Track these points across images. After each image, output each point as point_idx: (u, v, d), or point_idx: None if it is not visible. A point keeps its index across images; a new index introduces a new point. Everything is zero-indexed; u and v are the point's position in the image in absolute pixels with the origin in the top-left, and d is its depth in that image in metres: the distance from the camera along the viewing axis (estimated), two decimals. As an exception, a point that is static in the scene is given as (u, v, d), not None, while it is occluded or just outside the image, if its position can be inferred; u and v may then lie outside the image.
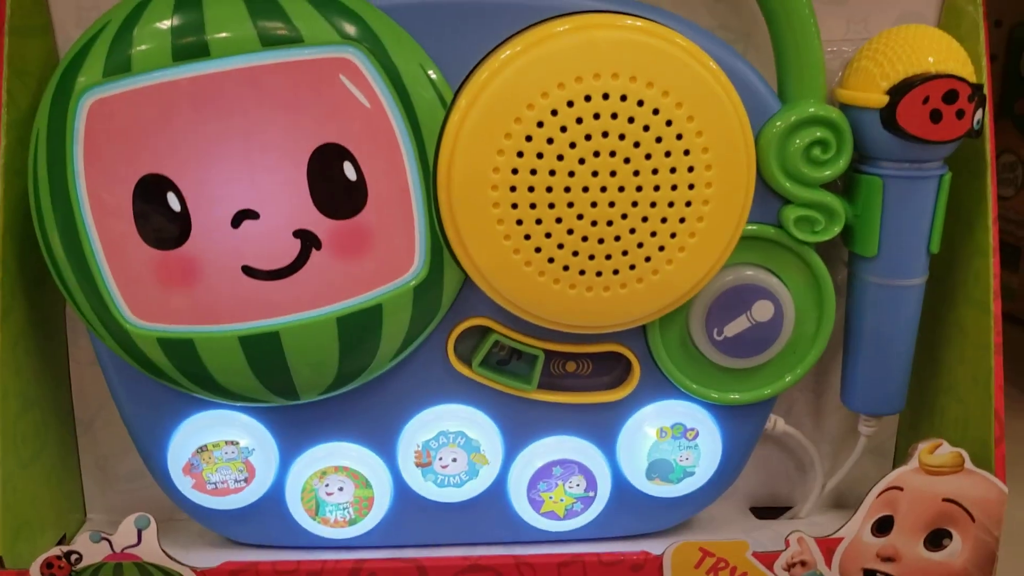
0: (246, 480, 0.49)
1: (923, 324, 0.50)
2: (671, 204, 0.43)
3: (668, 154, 0.42)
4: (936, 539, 0.48)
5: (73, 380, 0.53)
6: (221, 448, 0.48)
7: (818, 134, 0.45)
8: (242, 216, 0.43)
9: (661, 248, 0.43)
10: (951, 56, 0.45)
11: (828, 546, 0.48)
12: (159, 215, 0.43)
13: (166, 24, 0.41)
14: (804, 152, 0.45)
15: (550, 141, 0.41)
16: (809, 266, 0.48)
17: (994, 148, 0.48)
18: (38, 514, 0.50)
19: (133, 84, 0.41)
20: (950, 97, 0.44)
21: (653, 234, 0.43)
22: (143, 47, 0.41)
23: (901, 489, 0.47)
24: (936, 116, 0.44)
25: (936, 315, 0.52)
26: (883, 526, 0.48)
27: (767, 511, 0.57)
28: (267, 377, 0.45)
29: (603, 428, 0.50)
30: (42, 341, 0.50)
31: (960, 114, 0.44)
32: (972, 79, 0.45)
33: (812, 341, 0.49)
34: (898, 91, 0.44)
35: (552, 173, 0.42)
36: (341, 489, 0.49)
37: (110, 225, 0.43)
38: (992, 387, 0.48)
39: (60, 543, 0.51)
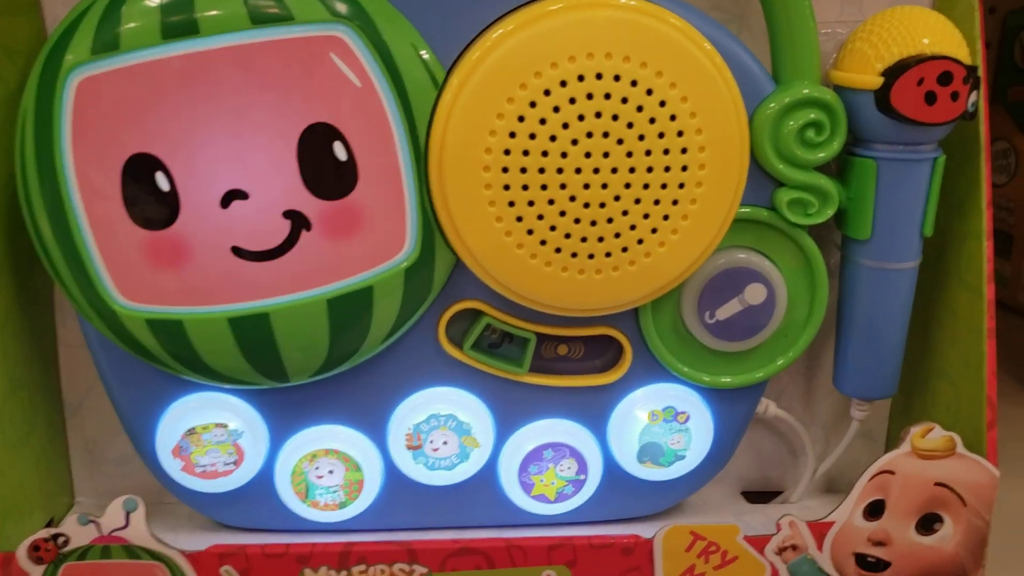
0: (235, 463, 0.48)
1: (915, 308, 0.50)
2: (664, 186, 0.42)
3: (661, 135, 0.41)
4: (927, 523, 0.48)
5: (61, 362, 0.53)
6: (210, 431, 0.48)
7: (812, 116, 0.45)
8: (231, 196, 0.42)
9: (654, 230, 0.43)
10: (946, 38, 0.44)
11: (819, 530, 0.47)
12: (148, 195, 0.42)
13: (155, 2, 0.41)
14: (798, 134, 0.45)
15: (543, 121, 0.41)
16: (802, 249, 0.48)
17: (988, 131, 0.48)
18: (26, 497, 0.49)
19: (121, 62, 0.41)
20: (945, 79, 0.44)
21: (646, 216, 0.43)
22: (131, 25, 0.41)
23: (893, 473, 0.47)
24: (931, 98, 0.44)
25: (928, 299, 0.52)
26: (875, 510, 0.48)
27: (758, 495, 0.57)
28: (257, 359, 0.45)
29: (594, 411, 0.50)
30: (30, 323, 0.50)
31: (955, 96, 0.44)
32: (967, 61, 0.45)
33: (804, 324, 0.49)
34: (892, 72, 0.44)
35: (545, 154, 0.41)
36: (331, 472, 0.49)
37: (98, 205, 0.42)
38: (984, 371, 0.48)
39: (48, 526, 0.51)
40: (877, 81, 0.44)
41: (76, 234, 0.43)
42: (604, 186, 0.42)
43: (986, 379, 0.48)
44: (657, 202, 0.43)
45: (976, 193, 0.49)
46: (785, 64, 0.46)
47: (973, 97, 0.45)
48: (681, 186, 0.42)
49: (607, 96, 0.41)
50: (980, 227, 0.48)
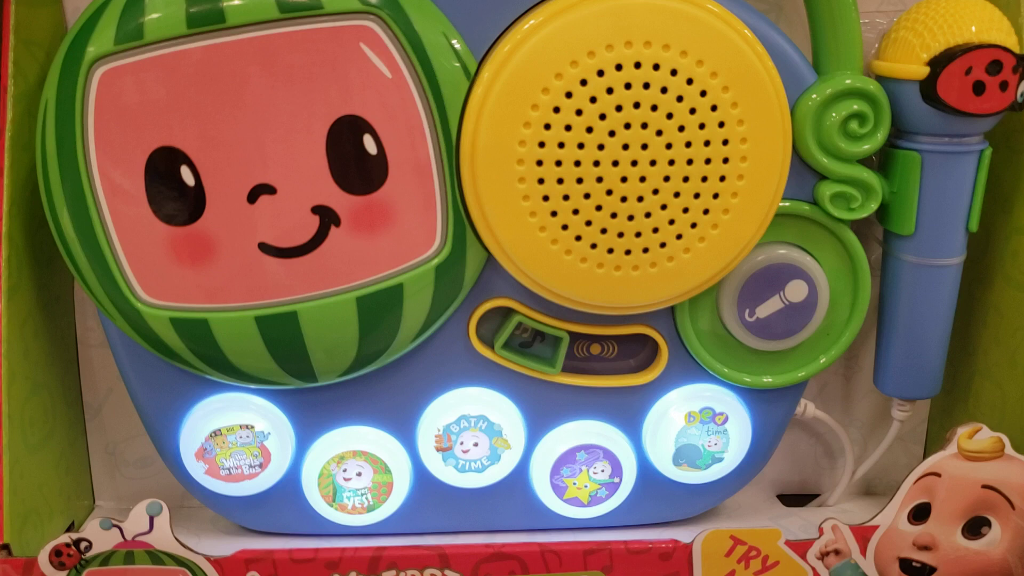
0: (261, 465, 0.47)
1: (957, 306, 0.48)
2: (704, 179, 0.41)
3: (702, 126, 0.40)
4: (974, 527, 0.46)
5: (82, 363, 0.52)
6: (235, 432, 0.47)
7: (855, 107, 0.43)
8: (259, 191, 0.41)
9: (693, 225, 0.42)
10: (994, 25, 0.43)
11: (863, 534, 0.46)
12: (172, 190, 0.41)
13: (180, -10, 0.40)
14: (841, 126, 0.44)
15: (579, 113, 0.40)
16: (844, 244, 0.46)
17: (1035, 123, 0.47)
18: (46, 501, 0.48)
19: (146, 53, 0.40)
20: (994, 68, 0.43)
21: (685, 211, 0.42)
22: (156, 15, 0.40)
23: (939, 475, 0.46)
24: (979, 88, 0.43)
25: (971, 295, 0.51)
26: (920, 514, 0.46)
27: (794, 498, 0.55)
28: (284, 358, 0.44)
29: (629, 412, 0.49)
30: (50, 322, 0.49)
31: (1004, 86, 0.43)
32: (1016, 50, 0.43)
33: (847, 322, 0.47)
34: (939, 62, 0.43)
35: (581, 146, 0.40)
36: (359, 474, 0.48)
37: (121, 200, 0.41)
38: (1032, 370, 0.47)
39: (68, 531, 0.50)
40: (923, 71, 0.43)
41: (98, 230, 0.42)
42: (642, 179, 0.41)
43: (1034, 378, 0.47)
44: (697, 196, 0.41)
45: (1022, 187, 0.47)
46: (827, 54, 0.44)
47: (1022, 87, 0.44)
48: (722, 179, 0.41)
49: (646, 86, 0.40)
50: (1027, 221, 0.47)
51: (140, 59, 0.40)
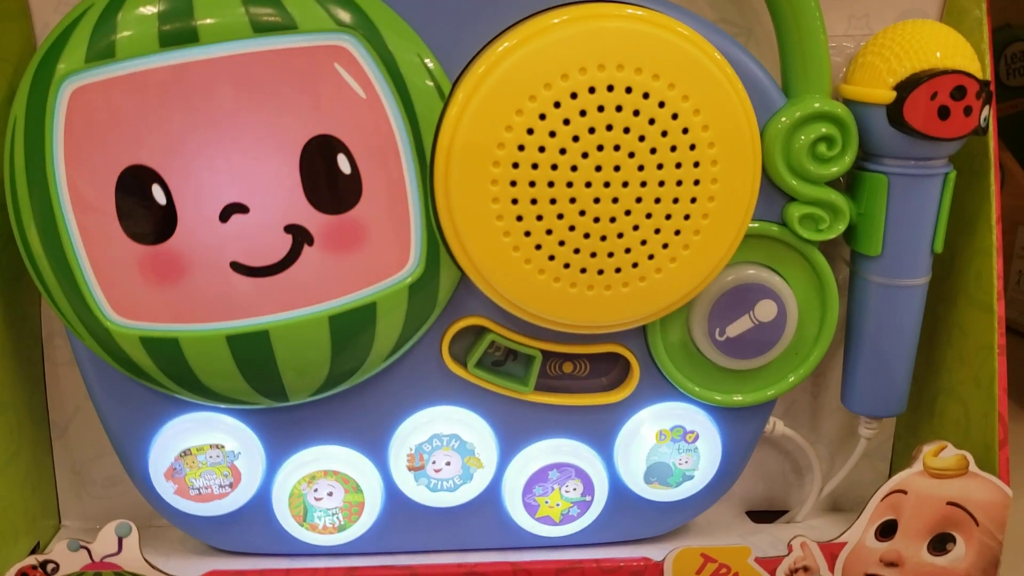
0: (231, 485, 0.47)
1: (922, 325, 0.49)
2: (676, 200, 0.41)
3: (674, 148, 0.41)
4: (940, 543, 0.47)
5: (48, 381, 0.51)
6: (205, 452, 0.46)
7: (823, 130, 0.44)
8: (231, 210, 0.41)
9: (665, 246, 0.42)
10: (958, 52, 0.44)
11: (831, 551, 0.47)
12: (143, 208, 0.41)
13: (152, 9, 0.39)
14: (810, 148, 0.44)
15: (552, 134, 0.40)
16: (812, 265, 0.47)
17: (997, 146, 0.48)
18: (10, 521, 0.47)
19: (117, 71, 0.40)
20: (958, 93, 0.43)
21: (657, 231, 0.42)
22: (128, 32, 0.39)
23: (905, 492, 0.46)
24: (944, 113, 0.43)
25: (936, 315, 0.52)
26: (887, 530, 0.47)
27: (763, 515, 0.56)
28: (255, 378, 0.44)
29: (601, 431, 0.49)
30: (17, 339, 0.48)
31: (968, 111, 0.44)
32: (979, 75, 0.44)
33: (815, 341, 0.48)
34: (905, 87, 0.43)
35: (554, 167, 0.40)
36: (330, 494, 0.47)
37: (91, 218, 0.41)
38: (995, 389, 0.47)
39: (33, 552, 0.49)
40: (889, 95, 0.44)
41: (67, 248, 0.41)
42: (615, 200, 0.41)
43: (997, 396, 0.47)
44: (669, 216, 0.42)
45: (985, 209, 0.48)
46: (796, 77, 0.45)
47: (985, 112, 0.45)
48: (693, 200, 0.42)
49: (618, 108, 0.40)
50: (990, 243, 0.48)
51: (111, 76, 0.40)
